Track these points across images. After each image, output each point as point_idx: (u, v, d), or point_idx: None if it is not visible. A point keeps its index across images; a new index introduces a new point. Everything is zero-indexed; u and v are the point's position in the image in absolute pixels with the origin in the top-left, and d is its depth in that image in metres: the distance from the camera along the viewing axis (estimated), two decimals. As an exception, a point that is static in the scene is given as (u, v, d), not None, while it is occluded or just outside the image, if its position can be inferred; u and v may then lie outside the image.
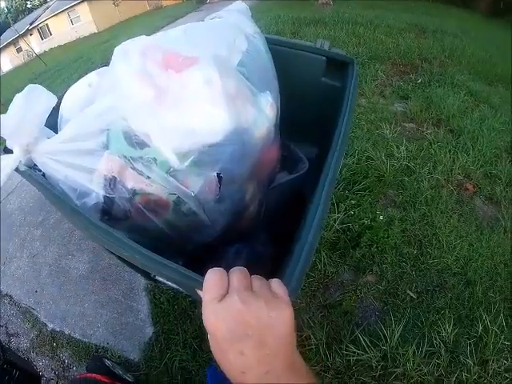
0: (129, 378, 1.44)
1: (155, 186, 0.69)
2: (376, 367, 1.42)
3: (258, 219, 0.95)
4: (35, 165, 0.67)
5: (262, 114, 0.76)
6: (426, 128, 2.57)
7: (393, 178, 2.19)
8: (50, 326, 1.85)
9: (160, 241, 0.77)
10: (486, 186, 2.15)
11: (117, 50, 0.72)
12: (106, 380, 1.30)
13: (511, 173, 2.21)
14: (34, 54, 19.35)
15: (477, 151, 2.33)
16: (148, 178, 0.66)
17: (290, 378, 0.39)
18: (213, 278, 0.42)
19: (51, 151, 0.66)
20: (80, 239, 2.26)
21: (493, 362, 1.43)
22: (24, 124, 0.62)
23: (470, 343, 1.49)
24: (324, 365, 1.45)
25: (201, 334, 1.60)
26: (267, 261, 0.97)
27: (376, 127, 2.61)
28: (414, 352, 1.44)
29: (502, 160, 2.29)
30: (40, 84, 0.70)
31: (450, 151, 2.35)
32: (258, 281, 0.43)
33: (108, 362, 1.47)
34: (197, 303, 1.67)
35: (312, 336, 1.52)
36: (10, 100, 0.62)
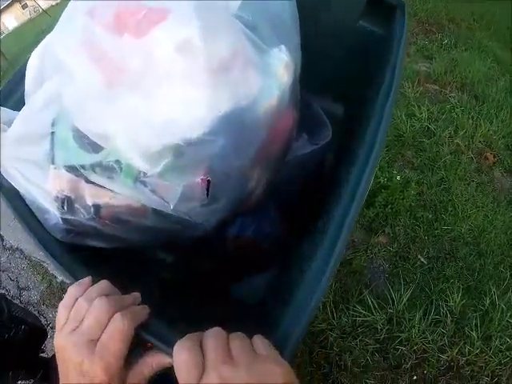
0: None
1: (122, 197, 0.49)
2: (381, 330, 1.37)
3: (265, 199, 0.74)
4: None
5: (271, 79, 0.50)
6: (450, 91, 2.41)
7: (412, 138, 2.06)
8: (60, 277, 1.82)
9: (141, 243, 0.60)
10: (506, 158, 2.04)
11: (63, 14, 0.50)
12: None
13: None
14: (41, 9, 17.84)
15: (500, 121, 2.20)
16: (111, 190, 0.47)
17: None
18: (184, 357, 0.35)
19: (7, 155, 0.47)
20: None
21: (496, 338, 1.39)
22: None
23: (476, 316, 1.44)
24: (330, 323, 1.39)
25: None
26: (276, 242, 0.85)
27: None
28: (420, 318, 1.40)
29: (525, 133, 2.17)
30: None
31: (472, 117, 2.21)
32: (237, 342, 0.37)
33: None
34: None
35: None
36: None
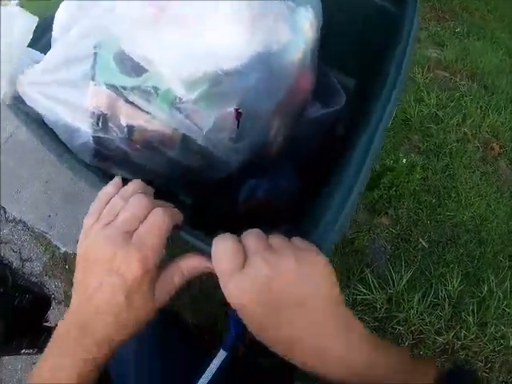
0: None
1: (157, 121, 0.50)
2: (380, 309, 1.37)
3: (283, 154, 0.78)
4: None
5: (298, 34, 0.57)
6: (460, 79, 2.38)
7: (420, 123, 2.04)
8: (63, 248, 1.78)
9: (165, 178, 0.62)
10: (512, 150, 2.03)
11: None
12: None
13: (542, 140, 2.10)
14: None
15: (508, 113, 2.19)
16: (147, 113, 0.48)
17: (351, 344, 0.32)
18: (225, 245, 0.34)
19: (33, 82, 0.48)
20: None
21: (491, 325, 1.40)
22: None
23: (473, 302, 1.45)
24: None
25: None
26: (291, 199, 0.84)
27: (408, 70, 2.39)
28: (419, 300, 1.40)
29: (533, 126, 2.16)
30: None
31: (481, 107, 2.19)
32: (277, 239, 0.36)
33: None
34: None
35: None
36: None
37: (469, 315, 1.40)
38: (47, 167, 2.11)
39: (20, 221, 1.95)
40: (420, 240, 1.61)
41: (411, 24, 0.64)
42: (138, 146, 0.47)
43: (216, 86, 0.46)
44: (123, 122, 0.45)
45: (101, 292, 0.35)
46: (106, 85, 0.44)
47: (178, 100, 0.45)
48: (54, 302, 1.57)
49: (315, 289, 0.32)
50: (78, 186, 1.98)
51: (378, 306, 1.37)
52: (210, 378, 0.60)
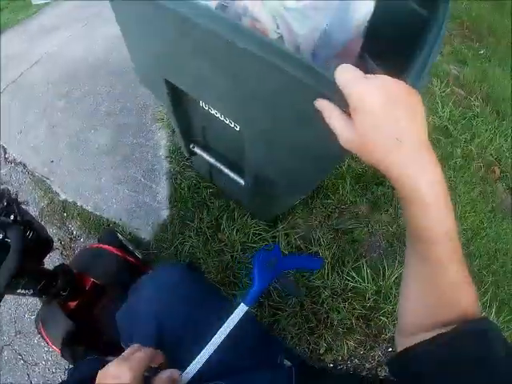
0: (138, 254, 1.42)
1: (265, 14, 0.61)
2: (369, 299, 1.44)
3: None
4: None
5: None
6: (475, 99, 2.45)
7: (430, 132, 2.09)
8: (63, 196, 1.77)
9: None
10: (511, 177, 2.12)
11: None
12: (118, 253, 1.27)
13: (540, 172, 2.19)
14: None
15: (515, 141, 2.27)
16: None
17: (432, 157, 0.40)
18: (346, 65, 0.42)
19: None
20: (106, 114, 2.07)
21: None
22: None
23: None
24: (324, 282, 1.45)
25: (216, 226, 1.58)
26: None
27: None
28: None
29: (535, 158, 2.26)
30: None
31: (490, 130, 2.27)
32: None
33: (120, 237, 1.42)
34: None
35: (320, 253, 1.51)
36: None
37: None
38: (56, 113, 2.10)
39: (20, 163, 1.93)
40: (414, 242, 1.68)
41: (439, 29, 0.67)
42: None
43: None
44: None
45: None
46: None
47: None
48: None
49: (417, 105, 0.40)
50: (87, 135, 1.97)
51: (367, 296, 1.43)
52: (231, 327, 0.66)
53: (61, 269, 1.03)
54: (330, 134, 0.44)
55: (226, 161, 1.16)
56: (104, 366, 0.63)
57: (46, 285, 0.92)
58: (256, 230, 1.53)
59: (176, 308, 0.73)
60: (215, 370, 0.64)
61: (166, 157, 1.80)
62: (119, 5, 0.73)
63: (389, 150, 0.39)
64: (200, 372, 0.62)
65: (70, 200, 1.75)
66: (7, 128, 2.07)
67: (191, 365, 0.62)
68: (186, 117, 1.07)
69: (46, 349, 1.42)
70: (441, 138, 2.11)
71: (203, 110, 0.93)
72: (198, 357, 0.63)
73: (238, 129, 0.88)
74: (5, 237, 0.71)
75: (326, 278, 1.45)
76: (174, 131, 1.86)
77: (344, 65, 0.42)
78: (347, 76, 0.41)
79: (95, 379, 0.87)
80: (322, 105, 0.46)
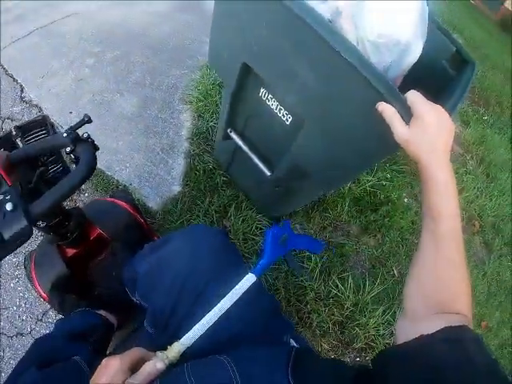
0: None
1: (352, 37, 0.78)
2: (347, 308, 1.57)
3: None
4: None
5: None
6: (470, 159, 2.67)
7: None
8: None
9: None
10: (489, 233, 2.33)
11: None
12: (131, 211, 1.26)
13: (512, 235, 2.42)
14: None
15: (498, 203, 2.49)
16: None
17: (453, 174, 0.60)
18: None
19: None
20: (135, 83, 2.11)
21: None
22: None
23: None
24: (311, 284, 1.57)
25: (223, 212, 1.66)
26: None
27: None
28: (380, 314, 1.60)
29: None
30: None
31: (478, 188, 2.48)
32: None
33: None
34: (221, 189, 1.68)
35: (311, 259, 1.64)
36: None
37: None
38: (84, 68, 2.12)
39: (36, 105, 1.91)
40: (393, 269, 1.83)
41: (463, 88, 0.88)
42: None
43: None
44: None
45: None
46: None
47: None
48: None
49: (451, 130, 0.61)
50: (112, 97, 1.99)
51: (346, 306, 1.56)
52: (237, 296, 0.70)
53: (76, 211, 1.00)
54: (385, 130, 0.64)
55: (256, 151, 1.27)
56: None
57: (59, 222, 0.89)
58: (259, 224, 1.64)
59: (206, 267, 0.76)
60: (221, 340, 0.68)
61: (187, 138, 1.88)
62: None
63: (425, 151, 0.59)
64: (203, 341, 0.64)
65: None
66: (29, 69, 2.06)
67: (189, 332, 0.63)
68: (238, 103, 1.18)
69: (21, 294, 1.38)
70: (434, 184, 2.29)
71: (260, 100, 1.05)
72: (196, 326, 0.64)
73: (288, 122, 1.01)
74: (73, 150, 0.72)
75: (312, 282, 1.56)
76: (199, 115, 1.95)
77: (415, 91, 0.63)
78: (417, 98, 0.61)
79: (87, 334, 0.90)
80: (385, 107, 0.65)
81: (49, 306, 1.34)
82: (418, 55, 0.83)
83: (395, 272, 1.82)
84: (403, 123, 0.62)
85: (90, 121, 0.74)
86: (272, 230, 0.87)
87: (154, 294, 0.77)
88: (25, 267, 1.17)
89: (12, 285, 1.39)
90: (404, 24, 0.78)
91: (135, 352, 0.56)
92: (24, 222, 0.59)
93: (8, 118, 1.85)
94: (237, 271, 0.78)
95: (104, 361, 0.54)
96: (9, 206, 0.60)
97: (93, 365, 0.59)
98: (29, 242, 1.36)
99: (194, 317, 0.67)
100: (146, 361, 0.56)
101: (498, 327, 2.02)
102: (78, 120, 0.74)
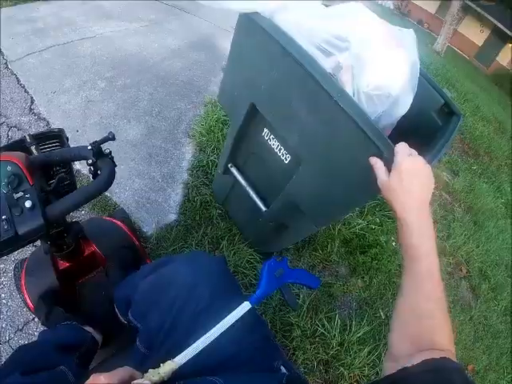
0: None
1: (350, 87, 0.88)
2: (332, 347, 1.58)
3: None
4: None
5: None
6: (458, 206, 2.77)
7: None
8: (78, 166, 1.77)
9: None
10: (475, 278, 2.38)
11: None
12: (128, 232, 1.29)
13: (500, 281, 2.48)
14: None
15: (485, 250, 2.57)
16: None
17: (428, 211, 0.64)
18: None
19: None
20: (142, 112, 2.22)
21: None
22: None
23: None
24: (298, 321, 1.59)
25: (216, 244, 1.71)
26: None
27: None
28: (365, 354, 1.61)
29: (498, 268, 2.54)
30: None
31: (465, 235, 2.56)
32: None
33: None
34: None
35: (300, 296, 1.68)
36: None
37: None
38: (95, 90, 2.22)
39: (44, 119, 1.97)
40: (380, 311, 1.86)
41: (447, 138, 0.98)
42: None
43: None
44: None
45: None
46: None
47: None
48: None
49: (428, 178, 0.65)
50: (119, 123, 2.06)
51: (332, 345, 1.57)
52: (231, 322, 0.71)
53: (76, 225, 1.01)
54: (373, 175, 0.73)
55: (253, 187, 1.35)
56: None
57: (59, 233, 0.90)
58: (250, 258, 1.68)
59: (205, 292, 0.79)
60: (214, 363, 0.69)
61: (188, 169, 1.96)
62: (247, 36, 0.98)
63: (400, 197, 0.64)
64: (196, 362, 0.64)
65: (84, 172, 1.76)
66: (42, 82, 2.14)
67: (183, 352, 0.64)
68: (242, 140, 1.26)
69: (4, 301, 1.35)
70: (422, 229, 2.36)
71: (262, 139, 1.14)
72: (191, 347, 0.65)
73: (286, 161, 1.09)
74: (94, 163, 0.74)
75: (299, 320, 1.59)
76: (201, 149, 2.04)
77: (403, 143, 0.71)
78: (400, 149, 0.69)
79: (73, 348, 0.86)
80: (374, 160, 0.73)
81: (31, 317, 1.33)
82: (408, 107, 0.93)
83: (382, 314, 1.85)
84: (387, 173, 0.69)
85: (113, 138, 0.77)
86: (269, 263, 0.88)
87: (152, 313, 0.78)
88: (14, 274, 1.17)
89: (-5, 291, 1.36)
90: (396, 78, 0.88)
91: (125, 371, 0.56)
92: (40, 221, 0.63)
93: (15, 127, 1.90)
94: (234, 298, 0.79)
95: (92, 376, 0.52)
96: (28, 204, 0.63)
97: (78, 377, 0.60)
98: (19, 250, 1.39)
99: (189, 338, 0.68)
100: (133, 379, 0.55)
101: (485, 371, 2.03)
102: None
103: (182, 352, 0.63)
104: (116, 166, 0.78)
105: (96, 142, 0.74)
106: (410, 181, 0.64)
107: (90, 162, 0.74)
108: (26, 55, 2.33)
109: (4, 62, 2.24)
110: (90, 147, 0.73)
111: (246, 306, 0.77)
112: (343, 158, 0.88)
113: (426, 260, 0.61)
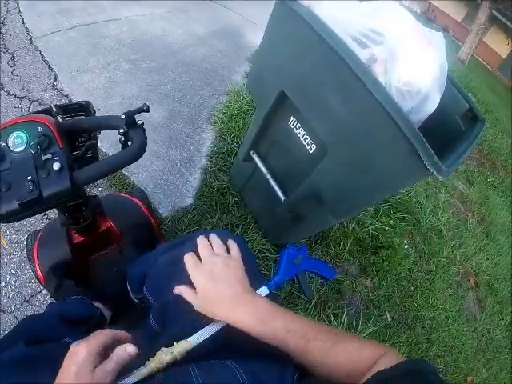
0: None
1: (382, 80, 0.86)
2: (338, 344, 1.57)
3: None
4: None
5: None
6: (471, 217, 2.75)
7: (426, 229, 2.37)
8: (99, 144, 1.76)
9: None
10: (483, 290, 2.37)
11: None
12: (145, 211, 1.29)
13: (506, 296, 2.46)
14: None
15: (495, 262, 2.56)
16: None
17: (249, 298, 0.62)
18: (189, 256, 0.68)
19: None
20: (165, 96, 2.23)
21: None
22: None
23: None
24: (305, 316, 1.59)
25: (230, 230, 1.69)
26: None
27: (436, 185, 2.77)
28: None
29: (506, 282, 2.53)
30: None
31: (476, 246, 2.54)
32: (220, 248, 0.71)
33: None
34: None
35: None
36: None
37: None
38: (118, 72, 2.24)
39: (67, 95, 1.99)
40: (386, 313, 1.87)
41: (470, 142, 0.98)
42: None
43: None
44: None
45: None
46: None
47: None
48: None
49: (235, 272, 0.65)
50: (140, 104, 1.98)
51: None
52: None
53: (94, 199, 1.01)
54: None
55: (273, 175, 1.35)
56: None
57: (78, 205, 0.89)
58: (262, 248, 1.69)
59: None
60: (225, 346, 0.66)
61: (207, 155, 1.97)
62: (282, 23, 0.98)
63: (215, 306, 0.61)
64: (208, 344, 0.63)
65: (104, 150, 1.76)
66: (66, 60, 2.16)
67: (197, 334, 0.62)
68: (267, 127, 1.27)
69: (13, 272, 1.35)
70: (433, 236, 2.37)
71: (288, 127, 1.15)
72: (208, 326, 0.64)
73: (311, 151, 1.10)
74: (126, 132, 0.75)
75: (308, 312, 1.60)
76: (221, 136, 2.05)
77: (190, 253, 0.68)
78: (188, 261, 0.66)
79: (80, 323, 0.87)
80: (181, 289, 0.67)
81: (39, 289, 1.32)
82: (436, 106, 0.94)
83: (388, 316, 1.86)
84: (196, 296, 0.64)
85: (147, 110, 0.77)
86: (288, 250, 0.89)
87: (168, 288, 0.74)
88: (26, 245, 1.17)
89: (6, 260, 1.38)
90: (425, 76, 0.89)
91: (101, 335, 0.52)
92: (67, 184, 0.61)
93: (36, 101, 1.91)
94: (252, 281, 0.75)
95: (72, 347, 0.50)
96: (56, 166, 0.61)
97: None
98: (32, 222, 1.42)
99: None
100: (117, 340, 0.54)
101: (484, 384, 2.03)
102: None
103: (197, 332, 0.62)
104: (147, 138, 0.77)
105: (130, 111, 0.74)
106: (213, 290, 0.62)
107: (121, 131, 0.74)
108: (51, 33, 2.35)
109: (29, 38, 2.26)
110: (123, 116, 0.73)
111: (263, 290, 0.77)
112: (372, 150, 0.89)
113: (287, 338, 0.58)
